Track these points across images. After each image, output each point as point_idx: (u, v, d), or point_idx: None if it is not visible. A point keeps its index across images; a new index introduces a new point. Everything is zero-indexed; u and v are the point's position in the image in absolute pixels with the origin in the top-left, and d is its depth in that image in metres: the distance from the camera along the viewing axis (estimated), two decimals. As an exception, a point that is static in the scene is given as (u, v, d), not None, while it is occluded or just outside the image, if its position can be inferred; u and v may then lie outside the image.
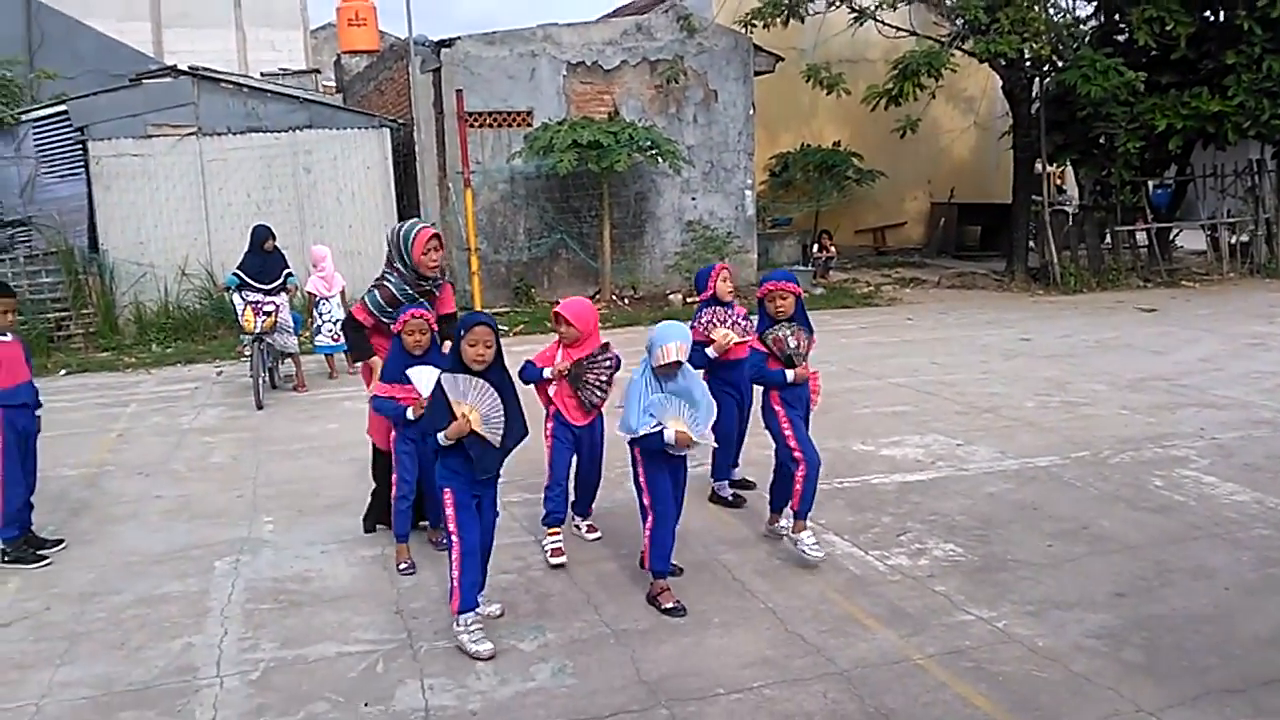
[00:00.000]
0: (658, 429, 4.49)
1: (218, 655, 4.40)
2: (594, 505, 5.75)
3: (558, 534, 5.39)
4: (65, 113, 13.94)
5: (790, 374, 5.07)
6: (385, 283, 5.49)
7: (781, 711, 3.81)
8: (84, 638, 4.64)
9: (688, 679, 4.07)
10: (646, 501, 4.71)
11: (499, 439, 4.24)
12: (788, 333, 5.09)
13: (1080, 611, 4.58)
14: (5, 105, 14.18)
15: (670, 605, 4.64)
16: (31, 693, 4.14)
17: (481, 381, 4.19)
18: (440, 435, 4.19)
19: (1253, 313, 13.31)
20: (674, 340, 4.55)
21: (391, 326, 5.10)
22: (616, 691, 3.98)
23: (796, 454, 5.10)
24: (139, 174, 13.97)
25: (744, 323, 5.87)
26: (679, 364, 4.56)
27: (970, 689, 3.93)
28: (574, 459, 5.42)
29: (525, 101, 15.07)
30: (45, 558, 5.61)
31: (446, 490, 4.30)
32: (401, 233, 5.50)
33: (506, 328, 13.61)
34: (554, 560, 5.28)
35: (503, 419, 4.22)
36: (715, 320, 5.87)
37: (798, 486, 5.08)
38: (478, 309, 13.91)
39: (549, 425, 5.37)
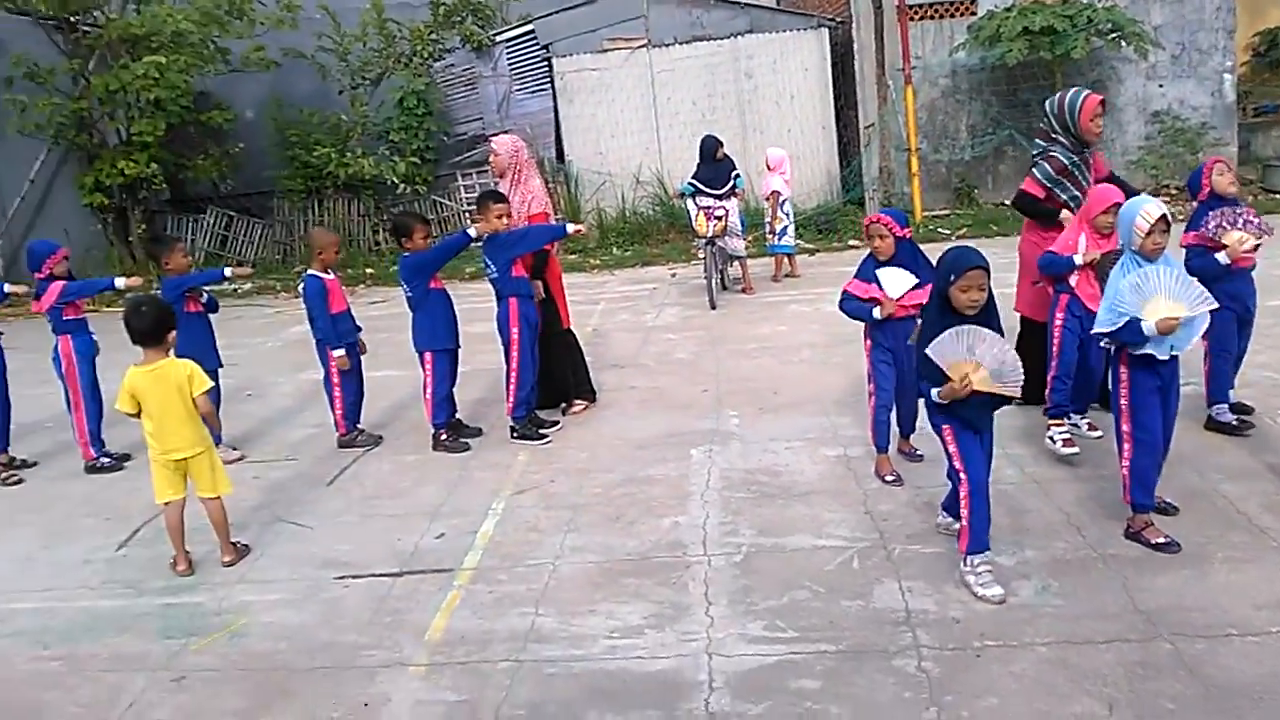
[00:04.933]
0: (1127, 321, 4.02)
1: (703, 536, 4.74)
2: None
3: (1063, 424, 5.31)
4: (532, 32, 15.26)
5: None
6: (1053, 153, 5.60)
7: (1313, 664, 3.40)
8: (584, 509, 5.20)
9: (1191, 614, 3.75)
10: (1126, 428, 4.25)
11: (1018, 389, 3.84)
12: None
13: None
14: (480, 28, 15.75)
15: (1160, 540, 4.22)
16: (548, 553, 4.72)
17: (988, 332, 3.76)
18: (934, 392, 3.87)
19: None
20: (1145, 204, 4.09)
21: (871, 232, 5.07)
22: (1110, 618, 3.76)
23: None
24: (597, 87, 15.05)
25: (1256, 221, 5.17)
26: (1167, 224, 4.08)
27: None
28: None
29: (971, -12, 14.18)
30: (546, 436, 6.38)
31: (946, 427, 3.98)
32: (1066, 101, 5.55)
33: (949, 230, 13.13)
34: (1064, 450, 5.20)
35: (1019, 366, 3.81)
36: (1225, 223, 5.15)
37: None
38: (916, 212, 13.53)
39: (1059, 315, 5.24)
